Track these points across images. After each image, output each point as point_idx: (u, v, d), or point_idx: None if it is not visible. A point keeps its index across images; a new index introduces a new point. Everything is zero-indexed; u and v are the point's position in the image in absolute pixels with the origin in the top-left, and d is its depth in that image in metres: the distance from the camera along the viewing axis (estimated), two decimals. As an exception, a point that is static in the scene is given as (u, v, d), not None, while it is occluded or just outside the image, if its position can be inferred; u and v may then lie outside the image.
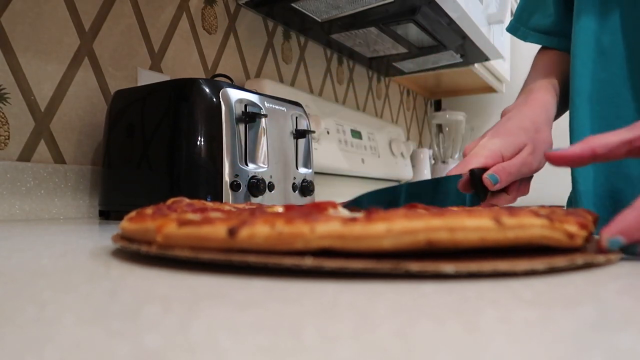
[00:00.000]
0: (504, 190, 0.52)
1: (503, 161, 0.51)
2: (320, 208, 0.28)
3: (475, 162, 0.50)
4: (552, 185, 1.15)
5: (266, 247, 0.23)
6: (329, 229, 0.22)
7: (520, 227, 0.24)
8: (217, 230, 0.24)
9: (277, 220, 0.23)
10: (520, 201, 0.55)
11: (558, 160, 0.35)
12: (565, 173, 0.61)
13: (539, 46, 0.71)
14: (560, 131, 0.63)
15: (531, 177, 0.55)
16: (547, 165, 0.40)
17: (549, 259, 0.24)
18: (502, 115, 0.60)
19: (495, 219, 0.23)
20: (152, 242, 0.27)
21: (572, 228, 0.26)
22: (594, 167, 0.57)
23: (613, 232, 0.28)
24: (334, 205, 0.29)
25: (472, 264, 0.23)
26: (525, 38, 0.69)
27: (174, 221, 0.26)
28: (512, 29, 0.71)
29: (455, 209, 0.30)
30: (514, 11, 0.74)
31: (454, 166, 0.52)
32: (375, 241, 0.22)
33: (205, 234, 0.24)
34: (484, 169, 0.49)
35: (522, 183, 0.54)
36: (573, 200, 0.61)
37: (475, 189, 0.50)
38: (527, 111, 0.56)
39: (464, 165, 0.50)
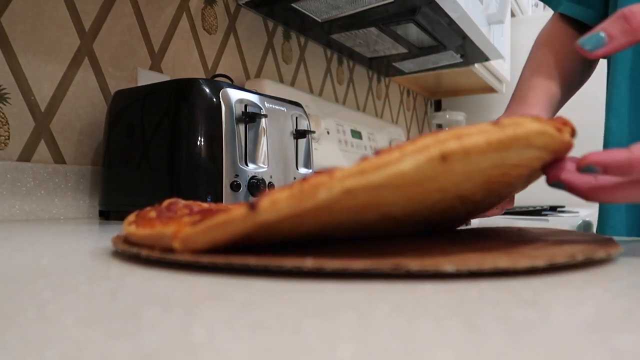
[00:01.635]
0: None
1: None
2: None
3: None
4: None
5: (290, 209, 0.22)
6: (347, 170, 0.22)
7: (515, 124, 0.24)
8: (237, 211, 0.23)
9: (293, 184, 0.23)
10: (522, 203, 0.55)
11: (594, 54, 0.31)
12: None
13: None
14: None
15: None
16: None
17: (549, 255, 0.24)
18: None
19: (493, 123, 0.24)
20: (165, 248, 0.26)
21: (557, 124, 0.27)
22: None
23: (596, 160, 0.27)
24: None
25: (472, 262, 0.23)
26: (557, 7, 0.67)
27: (188, 225, 0.25)
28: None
29: None
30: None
31: None
32: (394, 167, 0.21)
33: (225, 219, 0.23)
34: None
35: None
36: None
37: None
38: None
39: None
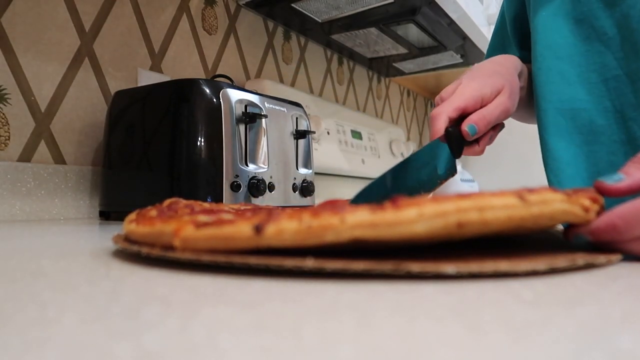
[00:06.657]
0: (475, 140, 0.52)
1: (483, 104, 0.50)
2: (336, 204, 0.28)
3: (456, 103, 0.48)
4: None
5: (295, 242, 0.22)
6: (359, 218, 0.22)
7: (543, 202, 0.24)
8: (242, 229, 0.23)
9: (303, 214, 0.22)
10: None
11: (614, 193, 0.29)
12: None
13: None
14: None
15: (501, 127, 0.55)
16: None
17: (550, 259, 0.24)
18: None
19: (519, 196, 0.23)
20: (165, 246, 0.26)
21: (586, 202, 0.26)
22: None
23: (583, 231, 0.28)
24: (346, 203, 0.29)
25: (473, 264, 0.23)
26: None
27: (190, 223, 0.25)
28: None
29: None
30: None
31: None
32: (407, 227, 0.21)
33: (229, 234, 0.23)
34: (459, 129, 0.49)
35: (493, 132, 0.54)
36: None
37: (450, 147, 0.49)
38: (498, 59, 0.58)
39: (442, 111, 0.49)
